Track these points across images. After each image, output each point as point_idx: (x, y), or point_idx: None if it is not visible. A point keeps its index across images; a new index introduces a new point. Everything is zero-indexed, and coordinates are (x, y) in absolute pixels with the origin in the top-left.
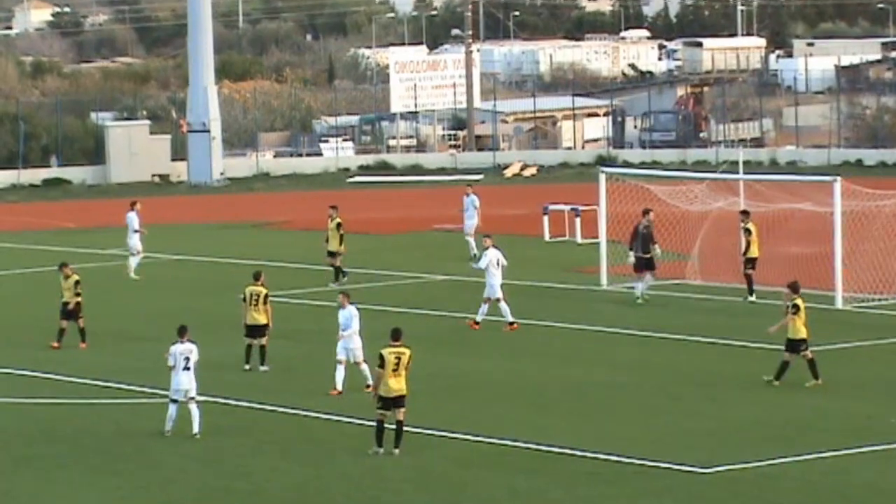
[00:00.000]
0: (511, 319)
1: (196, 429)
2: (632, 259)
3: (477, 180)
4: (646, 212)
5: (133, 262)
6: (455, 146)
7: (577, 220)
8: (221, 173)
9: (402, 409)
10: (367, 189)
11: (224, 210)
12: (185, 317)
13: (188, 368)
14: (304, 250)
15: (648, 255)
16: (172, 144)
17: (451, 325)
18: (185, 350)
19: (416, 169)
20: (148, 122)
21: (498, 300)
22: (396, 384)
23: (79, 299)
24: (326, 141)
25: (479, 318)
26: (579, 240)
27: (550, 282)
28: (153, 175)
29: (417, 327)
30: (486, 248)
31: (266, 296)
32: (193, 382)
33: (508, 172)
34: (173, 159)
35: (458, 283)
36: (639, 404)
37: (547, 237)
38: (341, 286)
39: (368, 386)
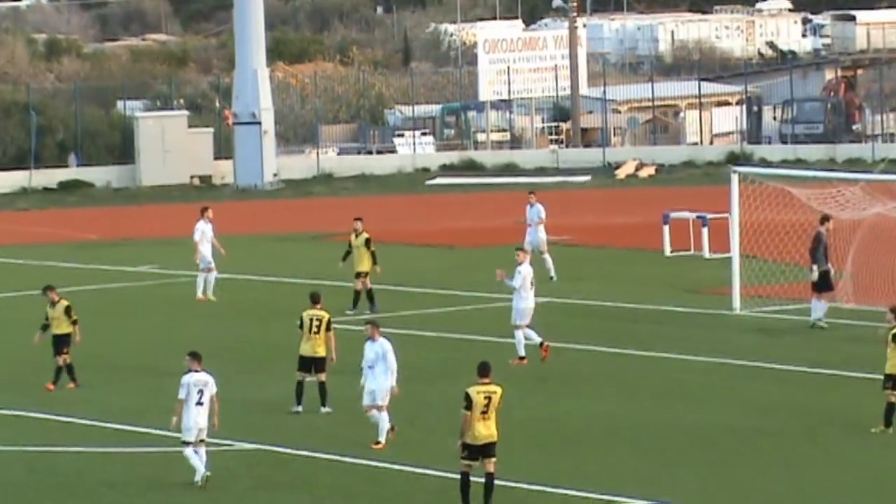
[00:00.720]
0: (539, 340)
1: (199, 476)
2: (814, 276)
3: (582, 182)
4: (824, 219)
5: (203, 280)
6: (556, 141)
7: (705, 231)
8: (275, 174)
9: (493, 460)
10: (449, 193)
11: (277, 218)
12: (229, 348)
13: (201, 403)
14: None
15: (828, 271)
16: (215, 140)
17: (553, 358)
18: (199, 381)
19: (509, 169)
20: (186, 112)
21: (519, 327)
22: (486, 429)
23: (76, 328)
24: (401, 135)
25: (521, 351)
26: (707, 254)
27: (671, 305)
28: (192, 176)
29: (509, 360)
30: (520, 264)
31: (329, 322)
32: (206, 421)
33: (621, 173)
34: (216, 157)
35: (560, 307)
36: (782, 454)
37: (668, 251)
38: (371, 314)
39: (378, 443)
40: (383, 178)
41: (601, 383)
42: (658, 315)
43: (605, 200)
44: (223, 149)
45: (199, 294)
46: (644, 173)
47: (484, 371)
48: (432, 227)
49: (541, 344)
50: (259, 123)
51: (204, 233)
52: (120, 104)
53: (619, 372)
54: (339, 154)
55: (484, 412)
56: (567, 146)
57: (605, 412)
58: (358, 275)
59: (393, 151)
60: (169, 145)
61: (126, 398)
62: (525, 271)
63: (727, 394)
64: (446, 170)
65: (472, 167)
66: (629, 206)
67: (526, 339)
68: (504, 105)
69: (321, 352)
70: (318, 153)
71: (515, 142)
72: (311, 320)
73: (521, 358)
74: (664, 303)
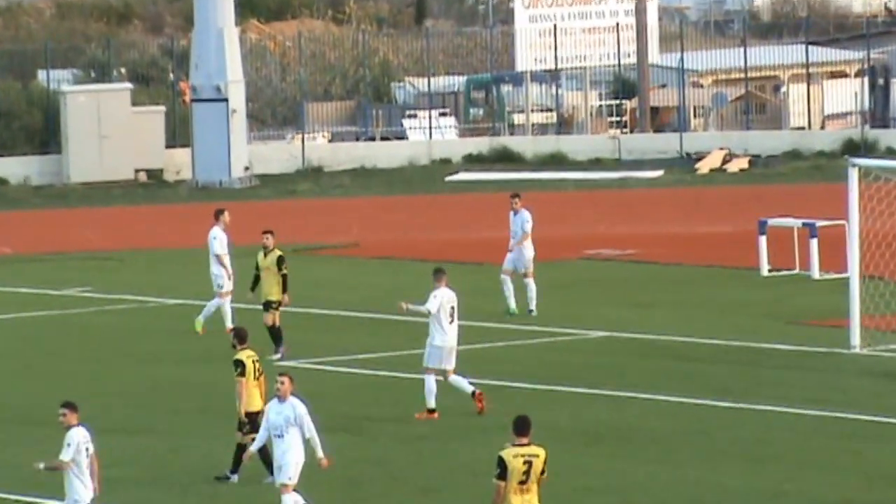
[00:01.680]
0: (471, 390)
1: None
2: None
3: (652, 179)
4: None
5: (215, 306)
6: (618, 125)
7: (813, 243)
8: (246, 168)
9: None
10: (476, 192)
11: (250, 226)
12: (172, 394)
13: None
14: (378, 291)
15: None
16: (168, 122)
17: (612, 409)
18: (85, 437)
19: (555, 161)
20: (129, 86)
21: (445, 373)
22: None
23: None
24: (413, 116)
25: (430, 401)
26: (816, 274)
27: (770, 340)
28: (138, 171)
29: (557, 413)
30: (437, 288)
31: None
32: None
33: (704, 166)
34: (169, 146)
35: (622, 344)
36: None
37: (765, 270)
38: (279, 359)
39: None
40: (389, 172)
41: (675, 443)
42: (752, 354)
43: (681, 203)
44: (178, 134)
45: (229, 324)
46: (734, 167)
47: (522, 428)
48: (454, 238)
49: (473, 393)
50: (225, 101)
51: (223, 243)
52: (41, 75)
53: (699, 428)
54: (331, 141)
55: (523, 482)
56: (632, 131)
57: (681, 481)
58: (267, 305)
59: (402, 138)
60: (107, 129)
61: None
62: (443, 297)
63: (843, 458)
64: (472, 162)
65: (506, 158)
66: (714, 210)
67: (455, 387)
68: (549, 77)
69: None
70: (303, 140)
71: (564, 125)
72: (255, 363)
73: (431, 411)
74: (760, 338)
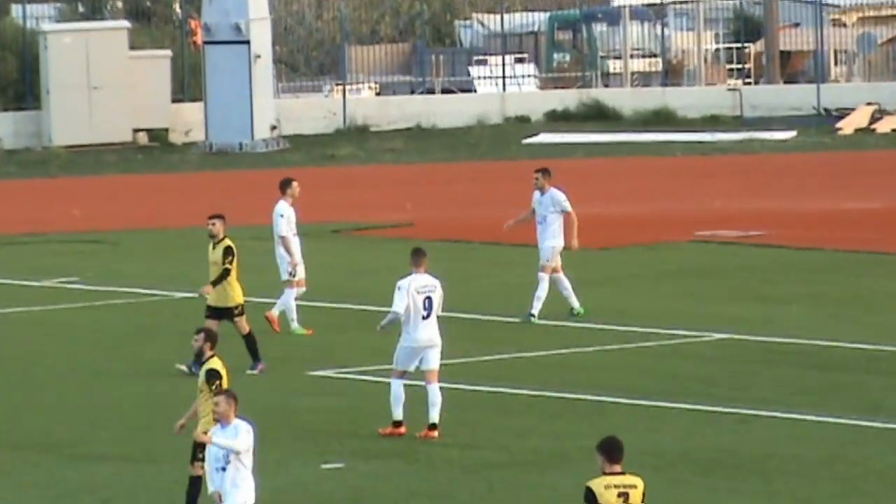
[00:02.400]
0: (434, 420)
1: None
2: None
3: (783, 141)
4: None
5: (288, 300)
6: (739, 74)
7: None
8: (273, 127)
9: None
10: (562, 157)
11: (275, 200)
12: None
13: None
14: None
15: None
16: (175, 70)
17: (730, 431)
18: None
19: (660, 119)
20: (126, 24)
21: (426, 378)
22: None
23: None
24: (482, 63)
25: (397, 412)
26: None
27: None
28: (137, 131)
29: (661, 435)
30: (411, 274)
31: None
32: None
33: (847, 126)
34: (176, 100)
35: (744, 348)
36: None
37: None
38: (255, 371)
39: None
40: (452, 133)
41: (811, 473)
42: None
43: (819, 172)
44: (188, 86)
45: (296, 324)
46: (884, 126)
47: (613, 452)
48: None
49: (431, 425)
50: (247, 43)
51: (290, 222)
52: (16, 10)
53: (842, 455)
54: (379, 94)
55: None
56: (756, 82)
57: None
58: (214, 311)
59: (469, 90)
60: (98, 79)
61: (18, 497)
62: (413, 286)
63: None
64: (556, 120)
65: (599, 115)
66: (859, 181)
67: (427, 402)
68: (653, 14)
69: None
70: (344, 93)
71: (672, 75)
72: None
73: (397, 424)
74: None
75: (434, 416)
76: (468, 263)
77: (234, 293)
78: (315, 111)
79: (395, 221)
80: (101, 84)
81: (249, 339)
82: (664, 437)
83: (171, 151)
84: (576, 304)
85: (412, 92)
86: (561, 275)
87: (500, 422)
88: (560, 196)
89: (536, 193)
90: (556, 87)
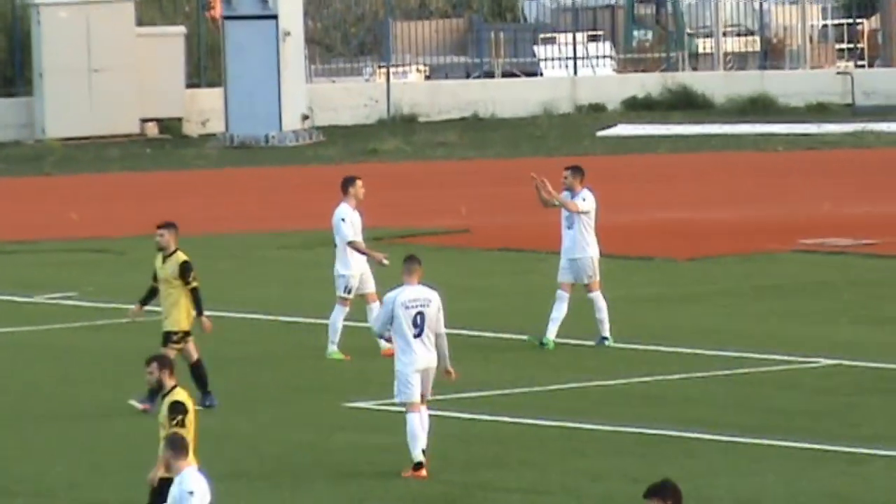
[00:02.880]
0: (420, 459)
1: None
2: None
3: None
4: None
5: (337, 319)
6: (851, 55)
7: None
8: (305, 117)
9: None
10: (642, 153)
11: (308, 202)
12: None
13: None
14: (497, 298)
15: None
16: (189, 51)
17: (843, 473)
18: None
19: (759, 107)
20: None
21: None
22: None
23: None
24: (550, 41)
25: (416, 453)
26: None
27: None
28: (145, 121)
29: (761, 479)
30: (403, 285)
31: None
32: None
33: None
34: (192, 84)
35: (865, 375)
36: None
37: None
38: (203, 406)
39: None
40: (515, 124)
41: None
42: None
43: None
44: (205, 69)
45: (334, 347)
46: None
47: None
48: (612, 221)
49: (417, 464)
50: (274, 18)
51: (355, 228)
52: None
53: None
54: (428, 78)
55: None
56: (871, 64)
57: None
58: (169, 336)
59: (534, 74)
60: (100, 60)
61: None
62: (401, 299)
63: None
64: (637, 109)
65: (686, 103)
66: None
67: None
68: None
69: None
70: (388, 76)
71: (772, 55)
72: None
73: (418, 466)
74: None
75: (419, 449)
76: (532, 276)
77: (180, 316)
78: (354, 98)
79: (447, 227)
80: (103, 66)
81: (196, 369)
82: (764, 482)
83: (185, 145)
84: (606, 332)
85: (467, 76)
86: (597, 293)
87: (570, 462)
88: (589, 196)
89: (565, 194)
90: (636, 71)
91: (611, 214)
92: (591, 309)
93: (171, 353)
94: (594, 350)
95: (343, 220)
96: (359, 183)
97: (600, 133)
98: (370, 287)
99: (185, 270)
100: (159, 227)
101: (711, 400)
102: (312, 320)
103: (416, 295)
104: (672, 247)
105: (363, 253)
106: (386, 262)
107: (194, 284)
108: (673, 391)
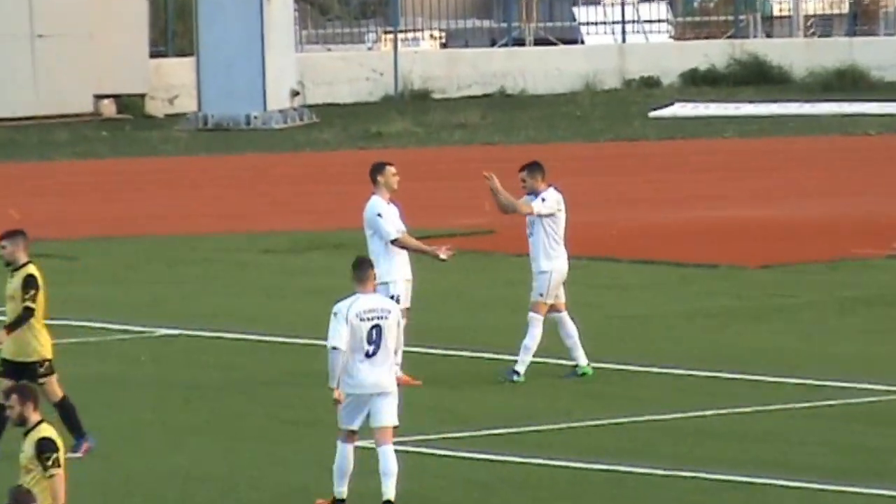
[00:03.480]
0: (388, 496)
1: None
2: None
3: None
4: None
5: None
6: None
7: None
8: (295, 93)
9: None
10: (705, 137)
11: (300, 196)
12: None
13: None
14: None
15: None
16: (155, 14)
17: None
18: None
19: (846, 82)
20: None
21: (377, 440)
22: None
23: None
24: (594, 2)
25: (340, 489)
26: None
27: None
28: (101, 97)
29: None
30: (354, 294)
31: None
32: None
33: None
34: (157, 54)
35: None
36: None
37: None
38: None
39: None
40: (550, 101)
41: None
42: None
43: None
44: (174, 35)
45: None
46: None
47: None
48: (667, 220)
49: (338, 501)
50: None
51: (394, 222)
52: None
53: None
54: (444, 46)
55: None
56: None
57: None
58: (9, 367)
59: (574, 41)
60: (47, 24)
61: None
62: (354, 310)
63: None
64: (698, 83)
65: (758, 77)
66: None
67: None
68: None
69: None
70: (395, 44)
71: (862, 19)
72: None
73: (338, 503)
74: None
75: (389, 492)
76: (568, 288)
77: (38, 342)
78: (354, 70)
79: (467, 228)
80: (49, 31)
81: (64, 408)
82: None
83: (149, 127)
84: (582, 359)
85: (492, 44)
86: (564, 314)
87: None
88: (554, 196)
89: (527, 198)
90: (697, 37)
91: (665, 211)
92: (559, 332)
93: (53, 389)
94: (639, 376)
95: (380, 215)
96: (389, 169)
97: (653, 113)
98: (406, 301)
99: (26, 285)
100: (1, 238)
101: (787, 437)
102: (303, 340)
103: (372, 305)
104: (741, 252)
105: (417, 250)
106: (445, 255)
107: (29, 304)
108: (740, 427)
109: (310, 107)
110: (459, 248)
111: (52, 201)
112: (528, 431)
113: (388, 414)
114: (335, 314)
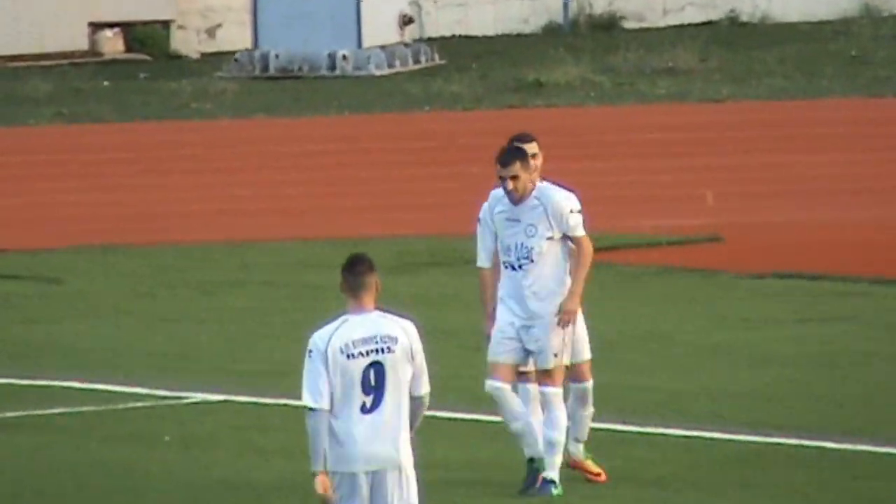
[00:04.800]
0: None
1: None
2: None
3: None
4: None
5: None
6: None
7: None
8: (408, 20)
9: None
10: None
11: (413, 182)
12: None
13: None
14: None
15: None
16: None
17: None
18: None
19: None
20: None
21: None
22: None
23: None
24: None
25: None
26: None
27: None
28: (98, 26)
29: None
30: (349, 313)
31: None
32: None
33: None
34: None
35: None
36: None
37: None
38: None
39: None
40: (807, 33)
41: None
42: None
43: None
44: None
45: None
46: None
47: None
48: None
49: None
50: None
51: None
52: None
53: None
54: None
55: None
56: None
57: None
58: None
59: None
60: None
61: None
62: (339, 343)
63: None
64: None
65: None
66: None
67: None
68: None
69: None
70: None
71: None
72: None
73: None
74: None
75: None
76: (836, 326)
77: None
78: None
79: (680, 233)
80: None
81: None
82: None
83: (176, 73)
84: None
85: None
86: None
87: None
88: (556, 196)
89: (500, 201)
90: None
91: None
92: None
93: None
94: None
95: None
96: (532, 145)
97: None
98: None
99: None
100: None
101: None
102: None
103: (369, 332)
104: (840, 253)
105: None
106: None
107: None
108: None
109: (430, 41)
110: (666, 263)
111: (22, 190)
112: None
113: (391, 499)
114: (310, 353)
